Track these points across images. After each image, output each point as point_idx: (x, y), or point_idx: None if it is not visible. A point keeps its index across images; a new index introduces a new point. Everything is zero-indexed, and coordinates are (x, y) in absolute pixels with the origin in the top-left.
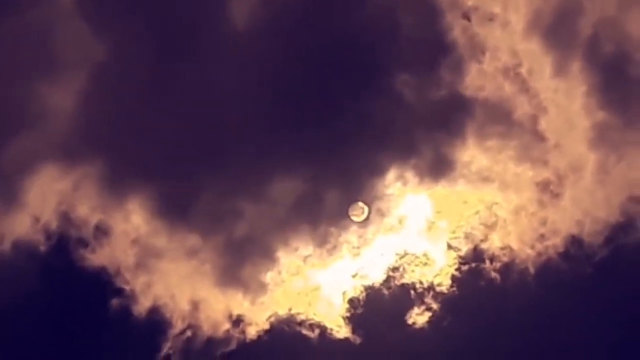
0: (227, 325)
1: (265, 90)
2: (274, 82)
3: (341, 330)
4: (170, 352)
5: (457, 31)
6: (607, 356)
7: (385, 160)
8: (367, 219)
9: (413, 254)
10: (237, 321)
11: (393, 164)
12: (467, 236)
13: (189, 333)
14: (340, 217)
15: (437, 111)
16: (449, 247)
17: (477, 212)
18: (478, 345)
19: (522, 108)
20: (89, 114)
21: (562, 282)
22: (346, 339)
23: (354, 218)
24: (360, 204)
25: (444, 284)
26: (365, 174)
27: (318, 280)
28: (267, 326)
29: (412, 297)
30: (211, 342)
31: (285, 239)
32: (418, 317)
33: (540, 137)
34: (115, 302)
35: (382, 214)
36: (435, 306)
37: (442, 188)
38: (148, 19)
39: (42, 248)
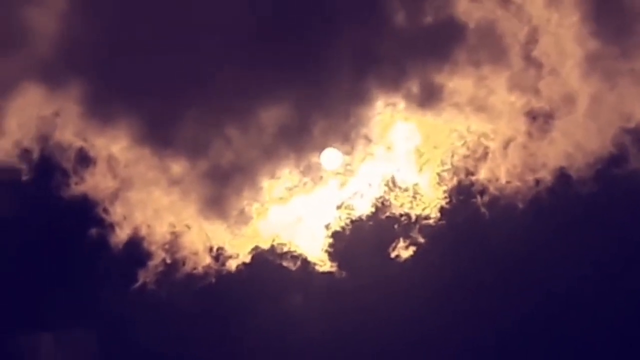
0: (207, 257)
1: (251, 15)
2: (259, 7)
3: (324, 264)
4: (147, 280)
5: None
6: (595, 292)
7: (373, 88)
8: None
9: (400, 186)
10: (218, 253)
11: (381, 92)
12: (456, 168)
13: (167, 264)
14: (327, 145)
15: (426, 37)
16: (437, 178)
17: (465, 143)
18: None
19: (514, 36)
20: (72, 36)
21: (551, 215)
22: (329, 273)
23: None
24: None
25: (432, 216)
26: (353, 101)
27: (302, 212)
28: (248, 259)
29: (398, 229)
30: (190, 274)
31: (269, 168)
32: (404, 250)
33: (532, 66)
34: (94, 231)
35: (369, 143)
36: (421, 239)
37: (431, 117)
38: None
39: (23, 174)
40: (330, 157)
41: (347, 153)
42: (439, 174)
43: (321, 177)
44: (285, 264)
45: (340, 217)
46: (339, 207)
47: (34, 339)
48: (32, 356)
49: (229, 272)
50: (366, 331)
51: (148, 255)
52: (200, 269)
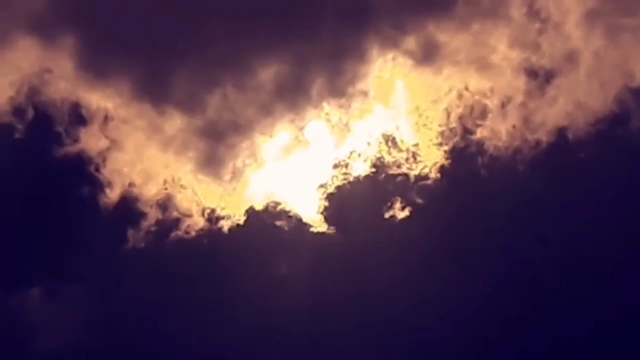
0: (200, 219)
1: None
2: None
3: (319, 224)
4: (138, 240)
5: None
6: (594, 254)
7: (371, 45)
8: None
9: (399, 145)
10: (213, 211)
11: (379, 48)
12: (455, 127)
13: (160, 222)
14: (324, 102)
15: None
16: (437, 138)
17: (464, 101)
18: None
19: None
20: None
21: (550, 174)
22: (323, 233)
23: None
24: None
25: (431, 176)
26: (350, 57)
27: (298, 170)
28: (243, 217)
29: (396, 189)
30: (182, 236)
31: (265, 125)
32: (402, 209)
33: (533, 22)
34: (87, 189)
35: (366, 100)
36: (419, 199)
37: (430, 75)
38: None
39: (16, 129)
40: (327, 115)
41: (345, 109)
42: (440, 133)
43: (318, 135)
44: (279, 224)
45: (336, 177)
46: (335, 167)
47: (23, 295)
48: (20, 312)
49: (222, 233)
50: (360, 293)
51: (141, 215)
52: (193, 232)
